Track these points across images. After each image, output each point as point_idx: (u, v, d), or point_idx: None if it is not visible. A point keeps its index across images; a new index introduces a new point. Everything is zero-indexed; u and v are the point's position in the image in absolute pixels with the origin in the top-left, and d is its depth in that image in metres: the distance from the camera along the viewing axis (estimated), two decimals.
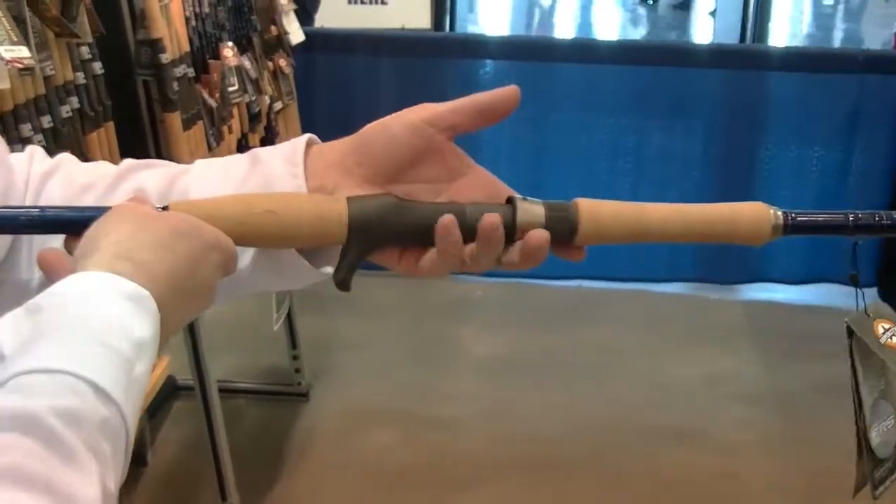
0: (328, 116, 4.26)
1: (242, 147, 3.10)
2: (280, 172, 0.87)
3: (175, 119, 2.60)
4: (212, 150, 2.83)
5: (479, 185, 0.88)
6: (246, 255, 0.86)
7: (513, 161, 4.63)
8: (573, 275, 4.64)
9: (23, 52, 1.81)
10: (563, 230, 0.84)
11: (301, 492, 3.24)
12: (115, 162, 2.28)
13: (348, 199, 0.82)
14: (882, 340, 0.98)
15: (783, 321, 4.61)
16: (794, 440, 3.60)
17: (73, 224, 0.80)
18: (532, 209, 0.83)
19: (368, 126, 0.88)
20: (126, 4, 2.52)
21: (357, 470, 3.38)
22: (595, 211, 0.85)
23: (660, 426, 3.68)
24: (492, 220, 0.81)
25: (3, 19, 1.78)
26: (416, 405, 3.77)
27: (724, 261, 4.74)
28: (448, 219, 0.81)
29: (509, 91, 0.87)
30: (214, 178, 0.90)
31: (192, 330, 2.68)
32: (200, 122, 2.76)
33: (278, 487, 3.23)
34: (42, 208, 0.85)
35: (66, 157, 0.96)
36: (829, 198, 4.51)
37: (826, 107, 4.61)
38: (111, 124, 2.29)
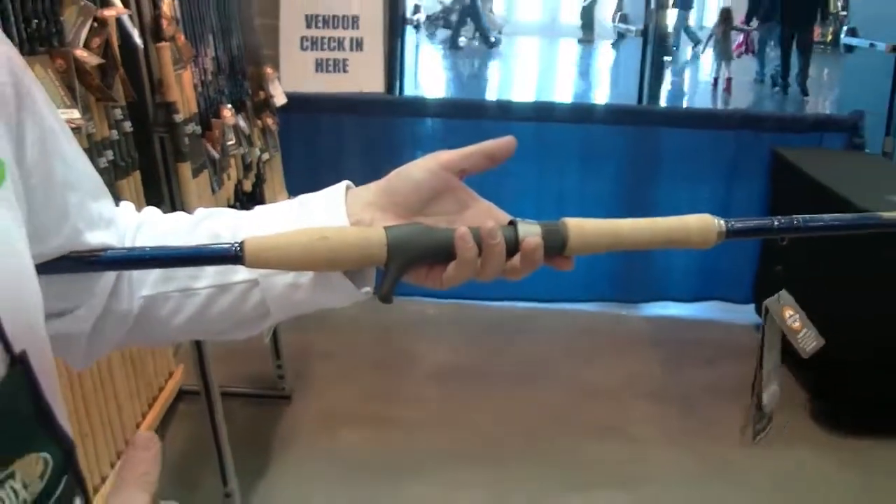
0: (304, 163, 4.29)
1: (238, 191, 3.11)
2: (325, 213, 0.89)
3: (186, 169, 2.59)
4: (214, 194, 2.81)
5: (485, 214, 0.90)
6: (305, 278, 0.88)
7: None
8: (509, 297, 4.69)
9: (74, 114, 1.82)
10: (556, 243, 0.86)
11: (286, 477, 3.24)
12: (140, 203, 2.30)
13: (385, 227, 0.84)
14: (788, 323, 1.03)
15: (679, 332, 4.68)
16: (688, 430, 3.66)
17: (173, 259, 0.86)
18: (530, 227, 0.86)
19: (395, 171, 0.89)
20: (146, 74, 2.52)
21: (330, 460, 3.38)
22: (580, 226, 0.87)
23: (581, 422, 3.73)
24: (490, 229, 0.84)
25: (59, 87, 1.79)
26: (378, 407, 3.79)
27: (631, 283, 4.80)
28: (464, 231, 0.83)
29: (507, 141, 0.90)
30: (273, 221, 0.90)
31: (198, 344, 2.68)
32: (206, 171, 2.76)
33: (267, 474, 3.23)
34: (153, 248, 0.88)
35: (150, 210, 0.97)
36: None
37: (710, 156, 4.69)
38: (137, 173, 2.28)
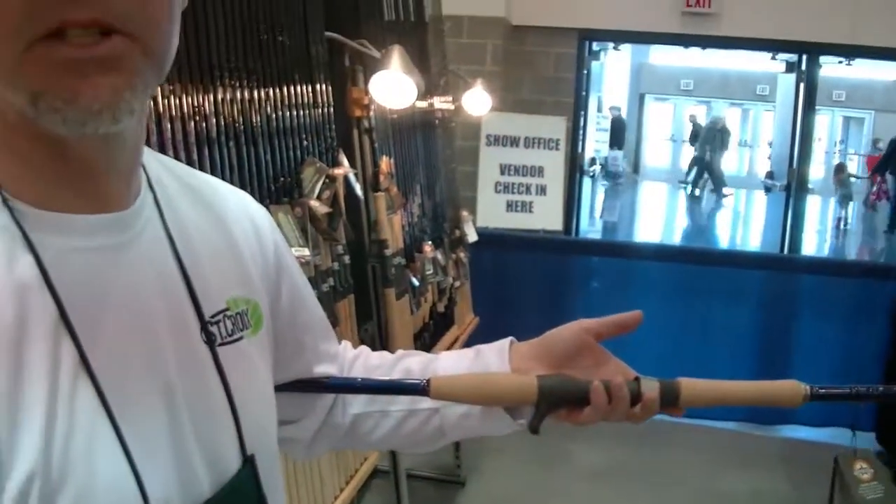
0: (489, 290, 4.36)
1: (433, 312, 3.18)
2: (495, 361, 0.96)
3: (391, 293, 2.67)
4: (413, 314, 2.88)
5: (615, 370, 0.94)
6: (475, 410, 0.94)
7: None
8: None
9: (305, 251, 1.95)
10: (671, 397, 0.90)
11: None
12: (351, 319, 2.40)
13: (538, 376, 0.91)
14: (855, 473, 1.03)
15: (806, 453, 4.44)
16: None
17: (377, 389, 0.97)
18: (650, 384, 0.91)
19: (548, 333, 0.95)
20: (365, 217, 2.64)
21: None
22: (691, 385, 0.91)
23: None
24: (619, 384, 0.89)
25: (295, 229, 1.95)
26: (536, 497, 3.76)
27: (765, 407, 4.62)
28: (598, 384, 0.89)
29: (636, 315, 0.94)
30: (453, 364, 0.98)
31: None
32: (407, 295, 2.83)
33: None
34: (363, 379, 0.98)
35: (363, 348, 1.05)
36: (838, 365, 4.40)
37: (838, 301, 4.54)
38: (352, 296, 2.36)
